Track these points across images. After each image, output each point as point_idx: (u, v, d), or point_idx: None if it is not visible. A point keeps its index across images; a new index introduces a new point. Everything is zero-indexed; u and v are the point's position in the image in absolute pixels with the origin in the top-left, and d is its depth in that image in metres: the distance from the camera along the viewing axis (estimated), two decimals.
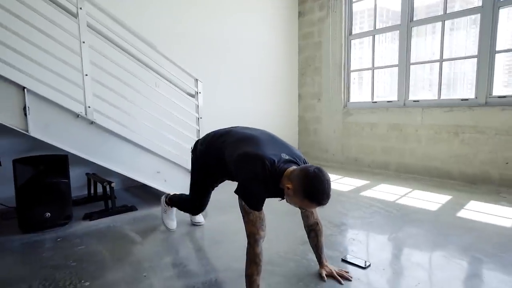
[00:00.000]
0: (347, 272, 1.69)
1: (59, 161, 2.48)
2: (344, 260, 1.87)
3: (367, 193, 3.34)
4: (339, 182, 3.78)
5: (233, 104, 4.51)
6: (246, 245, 1.44)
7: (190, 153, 2.07)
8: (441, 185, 3.57)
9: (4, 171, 2.85)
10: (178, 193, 2.41)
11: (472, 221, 2.46)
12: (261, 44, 4.80)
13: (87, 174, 3.15)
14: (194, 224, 2.50)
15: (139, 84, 2.82)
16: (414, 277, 1.69)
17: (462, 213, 2.65)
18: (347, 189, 3.49)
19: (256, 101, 4.82)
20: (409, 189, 3.42)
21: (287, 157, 1.49)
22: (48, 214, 2.37)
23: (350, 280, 1.65)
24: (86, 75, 2.46)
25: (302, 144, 5.39)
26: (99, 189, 3.11)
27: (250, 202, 1.41)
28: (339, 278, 1.64)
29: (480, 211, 2.69)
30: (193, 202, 2.13)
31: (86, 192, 3.16)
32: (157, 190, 3.00)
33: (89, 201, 3.06)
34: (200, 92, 3.09)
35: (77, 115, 2.44)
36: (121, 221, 2.60)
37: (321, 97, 5.03)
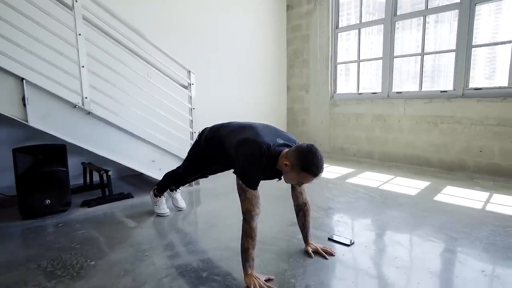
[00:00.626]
0: (330, 248, 1.86)
1: (58, 150, 2.55)
2: (330, 239, 2.04)
3: (353, 180, 3.53)
4: (326, 170, 3.96)
5: (223, 96, 4.61)
6: (242, 222, 1.57)
7: (197, 136, 2.19)
8: (421, 172, 3.79)
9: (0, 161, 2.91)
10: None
11: (447, 204, 2.68)
12: (250, 37, 4.89)
13: (82, 163, 3.22)
14: (179, 210, 2.63)
15: (134, 76, 2.90)
16: (393, 252, 1.88)
17: (438, 197, 2.87)
18: (333, 177, 3.67)
19: (246, 93, 4.94)
20: (392, 176, 3.64)
21: (281, 141, 1.65)
22: (48, 201, 2.46)
23: (334, 255, 1.82)
24: (83, 66, 2.52)
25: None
26: (95, 178, 3.19)
27: (248, 182, 1.56)
28: (324, 254, 1.82)
29: (455, 195, 2.91)
30: (178, 176, 2.39)
31: (81, 181, 3.24)
32: (152, 178, 3.12)
33: (85, 190, 3.14)
34: (193, 84, 3.19)
35: (74, 106, 2.51)
36: (119, 207, 2.71)
37: (309, 88, 5.18)
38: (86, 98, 2.56)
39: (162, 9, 3.87)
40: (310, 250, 1.84)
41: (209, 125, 2.09)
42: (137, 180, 3.58)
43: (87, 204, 2.73)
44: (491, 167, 3.52)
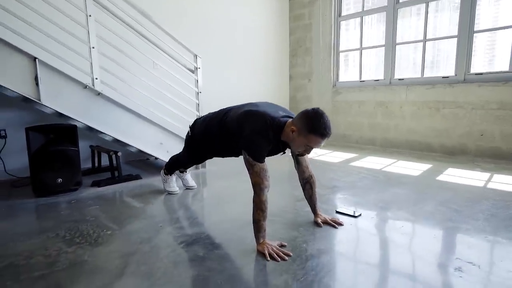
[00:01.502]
0: (338, 219, 1.93)
1: (69, 131, 2.60)
2: (337, 212, 2.11)
3: (356, 163, 3.60)
4: (329, 156, 4.02)
5: (225, 84, 4.64)
6: (252, 195, 1.60)
7: (188, 128, 2.22)
8: (423, 156, 3.86)
9: (9, 144, 2.97)
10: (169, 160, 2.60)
11: (449, 183, 2.75)
12: (253, 26, 4.93)
13: (91, 146, 3.27)
14: (188, 188, 2.69)
15: (142, 58, 2.94)
16: (398, 222, 1.94)
17: (441, 178, 2.93)
18: (337, 161, 3.74)
19: (248, 81, 4.98)
20: (394, 160, 3.70)
21: (284, 114, 1.70)
22: (60, 180, 2.51)
23: (343, 225, 1.88)
24: (93, 47, 2.57)
25: None
26: (104, 162, 3.25)
27: (254, 154, 1.59)
28: (334, 223, 1.87)
29: (457, 175, 2.98)
30: (181, 162, 2.45)
31: (90, 165, 3.29)
32: (157, 162, 3.17)
33: (93, 172, 3.19)
34: (199, 68, 3.23)
35: (85, 86, 2.56)
36: (128, 187, 2.77)
37: (312, 77, 5.23)
38: (96, 79, 2.61)
39: None
40: (319, 220, 1.90)
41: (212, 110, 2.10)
42: (143, 164, 3.64)
43: (97, 184, 2.79)
44: (492, 150, 3.58)
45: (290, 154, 1.85)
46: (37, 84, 2.35)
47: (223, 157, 2.17)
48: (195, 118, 2.21)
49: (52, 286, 1.32)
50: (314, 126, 1.51)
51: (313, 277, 1.36)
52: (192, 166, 2.68)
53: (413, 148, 4.20)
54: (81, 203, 2.36)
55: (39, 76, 2.33)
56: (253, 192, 1.61)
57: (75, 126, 2.63)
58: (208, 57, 4.25)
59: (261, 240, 1.59)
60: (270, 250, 1.53)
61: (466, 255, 1.53)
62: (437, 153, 3.99)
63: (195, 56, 3.20)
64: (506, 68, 3.48)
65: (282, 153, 1.80)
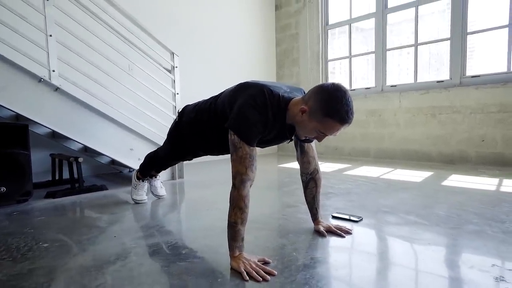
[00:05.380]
0: (345, 227, 1.55)
1: (18, 130, 2.21)
2: (334, 217, 1.75)
3: (351, 172, 3.27)
4: (321, 165, 3.69)
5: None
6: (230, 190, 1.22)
7: (176, 116, 1.82)
8: (421, 166, 3.57)
9: None
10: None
11: (458, 188, 2.43)
12: (238, 38, 4.74)
13: (51, 154, 2.87)
14: (158, 197, 2.32)
15: (113, 54, 2.63)
16: (410, 227, 1.59)
17: (446, 183, 2.62)
18: (329, 170, 3.41)
19: None
20: (391, 169, 3.40)
21: (289, 90, 1.33)
22: (3, 189, 2.10)
23: (351, 233, 1.51)
24: (50, 35, 2.25)
25: None
26: (65, 175, 2.84)
27: (242, 131, 1.20)
28: (340, 232, 1.49)
29: (463, 181, 2.68)
30: (159, 160, 2.05)
31: (50, 178, 2.87)
32: (130, 174, 2.79)
33: (53, 185, 2.78)
34: (176, 67, 2.93)
35: (40, 79, 2.21)
36: (89, 198, 2.36)
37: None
38: (53, 71, 2.27)
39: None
40: (321, 228, 1.51)
41: None
42: (115, 177, 3.23)
43: (52, 195, 2.37)
44: (494, 156, 3.32)
45: (293, 140, 1.47)
46: None
47: (212, 153, 1.74)
48: (185, 105, 1.82)
49: None
50: (334, 108, 1.13)
51: None
52: (170, 166, 2.23)
53: (410, 158, 3.92)
54: (24, 215, 1.94)
55: None
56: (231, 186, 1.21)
57: (26, 125, 2.25)
58: (190, 68, 3.99)
59: (237, 253, 1.18)
60: (248, 267, 1.12)
61: (502, 261, 1.18)
62: (435, 162, 3.70)
63: (172, 54, 2.91)
64: (504, 69, 3.30)
65: (288, 140, 1.42)
